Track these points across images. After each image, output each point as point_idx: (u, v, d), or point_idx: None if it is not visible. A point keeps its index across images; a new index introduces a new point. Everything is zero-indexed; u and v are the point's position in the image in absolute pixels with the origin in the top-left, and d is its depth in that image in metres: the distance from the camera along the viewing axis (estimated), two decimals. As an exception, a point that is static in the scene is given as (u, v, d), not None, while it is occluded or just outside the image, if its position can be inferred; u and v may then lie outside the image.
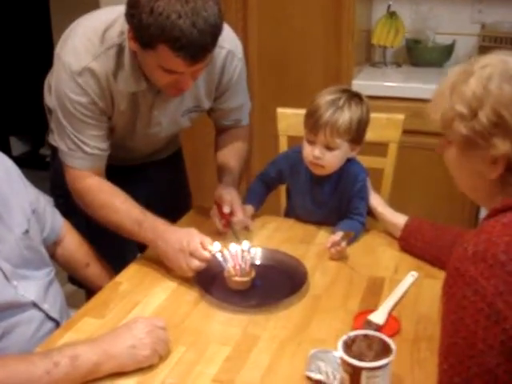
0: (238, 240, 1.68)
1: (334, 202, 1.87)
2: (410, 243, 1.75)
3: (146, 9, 1.46)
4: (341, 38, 2.84)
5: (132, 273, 1.69)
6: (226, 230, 1.78)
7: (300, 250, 1.76)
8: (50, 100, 1.92)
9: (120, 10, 1.67)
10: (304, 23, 2.89)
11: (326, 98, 1.77)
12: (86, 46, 1.65)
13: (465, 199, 1.26)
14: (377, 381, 1.17)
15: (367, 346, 1.21)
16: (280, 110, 2.23)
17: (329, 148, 1.77)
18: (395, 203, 1.95)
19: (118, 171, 1.82)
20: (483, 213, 1.17)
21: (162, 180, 2.16)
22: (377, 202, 1.87)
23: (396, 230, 1.80)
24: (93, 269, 1.81)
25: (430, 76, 2.96)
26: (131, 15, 1.51)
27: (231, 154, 2.00)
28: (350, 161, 1.85)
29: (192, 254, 1.57)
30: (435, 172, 2.33)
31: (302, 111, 2.11)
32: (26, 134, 4.83)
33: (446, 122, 1.16)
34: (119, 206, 1.71)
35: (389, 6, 3.05)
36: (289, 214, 2.03)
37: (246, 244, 1.62)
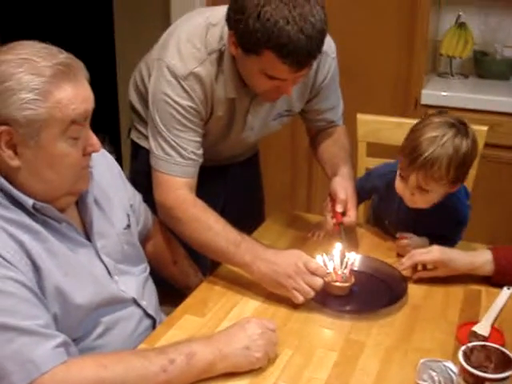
0: (343, 243, 1.65)
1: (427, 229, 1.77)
2: (505, 279, 1.63)
3: (253, 14, 1.45)
4: (413, 47, 2.82)
5: (225, 273, 1.68)
6: (334, 230, 1.71)
7: (391, 259, 1.74)
8: (134, 97, 1.93)
9: (215, 14, 1.67)
10: (377, 30, 2.88)
11: (428, 134, 1.61)
12: (191, 50, 1.64)
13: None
14: (499, 393, 1.16)
15: (485, 358, 1.20)
16: (360, 116, 2.19)
17: (421, 189, 1.65)
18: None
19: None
20: None
21: (240, 181, 2.15)
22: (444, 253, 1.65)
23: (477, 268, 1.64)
24: (180, 266, 1.81)
25: (497, 88, 2.94)
26: (236, 20, 1.50)
27: (337, 148, 1.91)
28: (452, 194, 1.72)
29: (314, 273, 1.51)
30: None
31: (382, 118, 2.10)
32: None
33: None
34: (213, 224, 1.63)
35: (458, 17, 3.02)
36: (371, 220, 2.01)
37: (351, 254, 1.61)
